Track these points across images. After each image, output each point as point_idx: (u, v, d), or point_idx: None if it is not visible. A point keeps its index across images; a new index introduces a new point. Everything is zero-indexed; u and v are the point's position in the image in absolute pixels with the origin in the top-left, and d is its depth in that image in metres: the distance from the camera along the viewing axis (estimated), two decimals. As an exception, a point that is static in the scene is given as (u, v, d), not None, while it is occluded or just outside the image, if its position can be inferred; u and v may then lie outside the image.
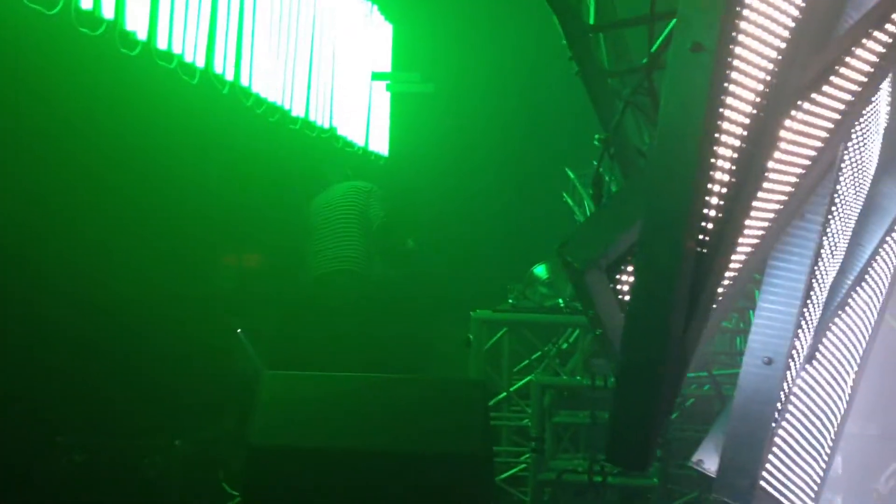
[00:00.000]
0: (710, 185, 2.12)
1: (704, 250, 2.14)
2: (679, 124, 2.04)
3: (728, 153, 2.16)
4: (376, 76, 8.19)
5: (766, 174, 2.39)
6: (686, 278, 2.07)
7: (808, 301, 2.86)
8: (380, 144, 8.45)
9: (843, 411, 3.55)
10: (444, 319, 7.33)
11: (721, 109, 2.10)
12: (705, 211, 2.12)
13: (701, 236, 2.13)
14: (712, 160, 2.11)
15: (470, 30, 8.18)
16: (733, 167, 2.16)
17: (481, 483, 4.03)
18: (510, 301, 5.71)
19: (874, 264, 3.35)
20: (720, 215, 2.15)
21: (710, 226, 2.14)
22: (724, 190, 2.15)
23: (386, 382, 4.30)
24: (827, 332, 3.23)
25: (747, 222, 2.44)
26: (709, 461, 3.10)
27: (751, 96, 2.16)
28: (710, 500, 3.39)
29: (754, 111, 2.17)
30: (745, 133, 2.17)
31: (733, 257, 2.44)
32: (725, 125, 2.13)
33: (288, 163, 7.00)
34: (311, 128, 6.95)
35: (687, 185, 2.03)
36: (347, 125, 7.65)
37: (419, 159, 8.45)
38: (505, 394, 5.76)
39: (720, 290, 2.43)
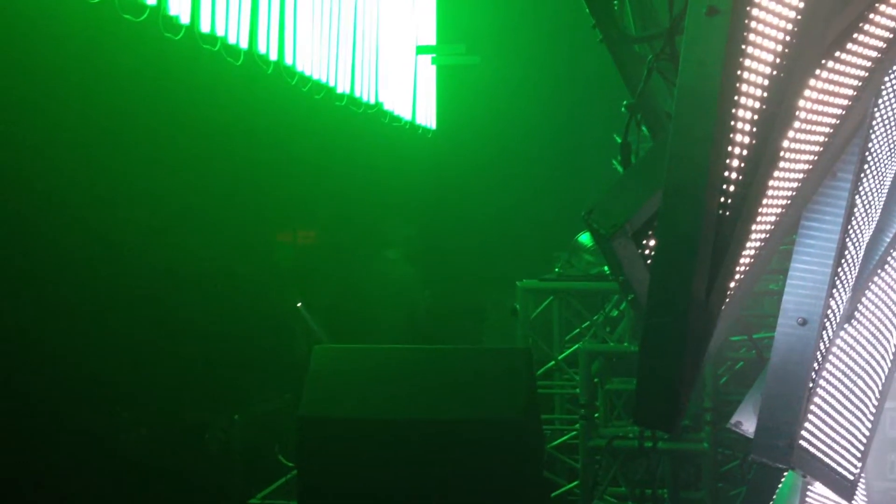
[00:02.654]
0: (730, 148, 2.13)
1: (727, 213, 2.15)
2: (696, 88, 2.05)
3: (749, 115, 2.16)
4: (421, 49, 8.22)
5: (791, 135, 2.38)
6: (708, 242, 2.08)
7: (843, 260, 2.84)
8: (427, 118, 8.49)
9: (887, 371, 3.52)
10: (492, 290, 7.39)
11: (739, 72, 2.10)
12: (726, 174, 2.13)
13: (723, 199, 2.13)
14: (732, 123, 2.11)
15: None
16: (754, 129, 2.16)
17: (527, 449, 4.09)
18: (556, 270, 5.73)
19: (915, 222, 3.30)
20: (742, 178, 2.15)
21: (731, 188, 2.15)
22: (746, 152, 2.15)
23: (431, 353, 4.37)
24: (866, 292, 3.20)
25: (775, 183, 2.44)
26: (747, 423, 3.12)
27: (770, 57, 2.15)
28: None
29: (774, 72, 2.16)
30: (766, 94, 2.16)
31: (762, 219, 2.44)
32: (744, 87, 2.13)
33: (335, 138, 7.09)
34: (357, 104, 7.02)
35: (705, 149, 2.04)
36: (394, 99, 7.70)
37: (466, 131, 8.48)
38: (553, 363, 5.79)
39: (749, 252, 2.43)
